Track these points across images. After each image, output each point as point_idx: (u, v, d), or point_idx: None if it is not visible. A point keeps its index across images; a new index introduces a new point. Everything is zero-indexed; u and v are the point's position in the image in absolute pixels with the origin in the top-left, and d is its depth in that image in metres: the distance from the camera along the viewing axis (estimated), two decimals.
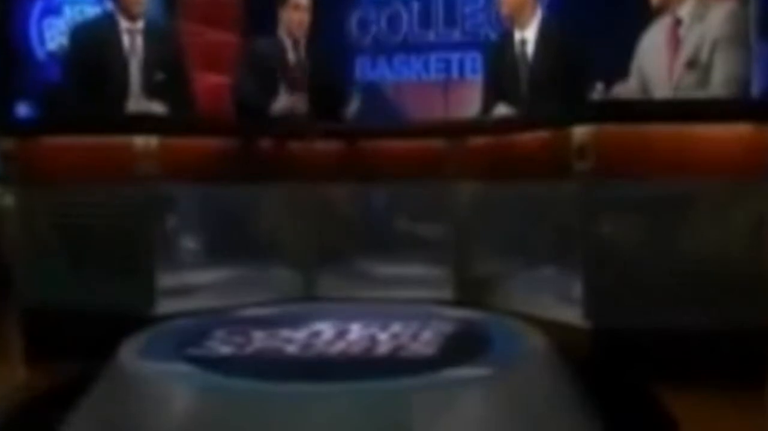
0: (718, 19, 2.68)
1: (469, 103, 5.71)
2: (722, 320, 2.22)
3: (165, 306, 2.58)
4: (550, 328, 2.29)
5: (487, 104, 3.33)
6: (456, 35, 5.55)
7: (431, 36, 5.58)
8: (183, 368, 1.78)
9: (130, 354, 1.92)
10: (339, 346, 1.98)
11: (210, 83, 4.71)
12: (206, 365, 1.79)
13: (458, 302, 2.76)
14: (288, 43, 3.66)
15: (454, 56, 5.55)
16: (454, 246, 2.83)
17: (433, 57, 5.58)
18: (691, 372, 2.12)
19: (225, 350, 1.95)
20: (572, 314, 2.38)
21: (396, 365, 1.80)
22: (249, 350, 1.96)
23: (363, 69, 5.67)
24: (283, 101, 3.28)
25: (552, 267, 2.66)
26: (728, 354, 2.19)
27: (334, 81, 3.86)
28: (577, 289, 2.45)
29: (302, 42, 3.66)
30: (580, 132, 2.26)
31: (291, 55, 3.67)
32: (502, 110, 3.22)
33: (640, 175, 2.25)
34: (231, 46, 5.29)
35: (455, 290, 2.82)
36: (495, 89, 3.41)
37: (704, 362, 2.16)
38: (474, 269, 2.80)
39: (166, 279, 2.63)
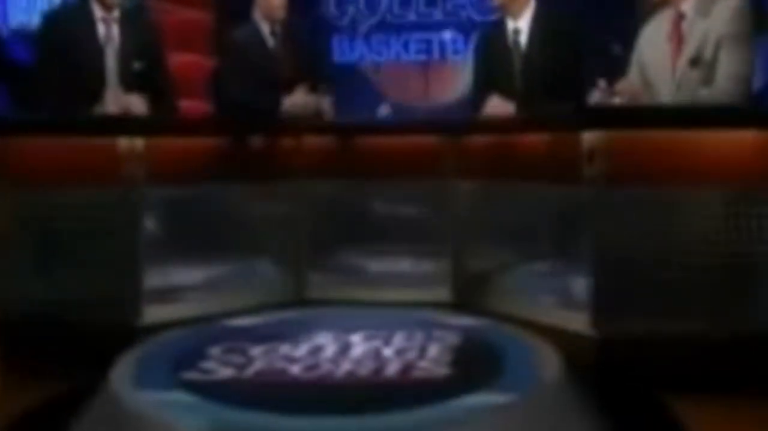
0: (723, 16, 2.60)
1: (449, 84, 5.63)
2: (733, 327, 2.18)
3: (151, 313, 2.45)
4: (553, 335, 2.25)
5: (480, 97, 3.22)
6: (437, 15, 5.40)
7: (411, 16, 5.42)
8: (183, 398, 1.67)
9: (122, 379, 1.80)
10: (345, 366, 1.88)
11: (181, 62, 4.53)
12: (207, 393, 1.68)
13: (456, 305, 2.69)
14: (266, 29, 3.50)
15: (435, 37, 5.41)
16: (453, 247, 2.74)
17: (413, 37, 5.43)
18: (702, 381, 2.08)
19: (224, 373, 1.84)
20: (574, 320, 2.32)
21: (409, 391, 1.72)
22: (250, 372, 1.85)
23: (340, 49, 5.50)
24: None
25: (553, 270, 2.60)
26: (740, 361, 2.15)
27: (313, 64, 3.72)
28: (579, 294, 2.40)
29: (280, 27, 3.51)
30: (590, 137, 2.18)
31: (270, 43, 3.51)
32: (495, 101, 3.12)
33: (649, 181, 2.18)
34: (202, 24, 5.10)
35: (453, 292, 2.74)
36: (487, 81, 3.31)
37: (715, 370, 2.11)
38: (472, 271, 2.72)
39: (151, 282, 2.49)
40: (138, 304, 2.43)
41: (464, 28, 5.35)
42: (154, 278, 2.51)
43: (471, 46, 5.35)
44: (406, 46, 5.43)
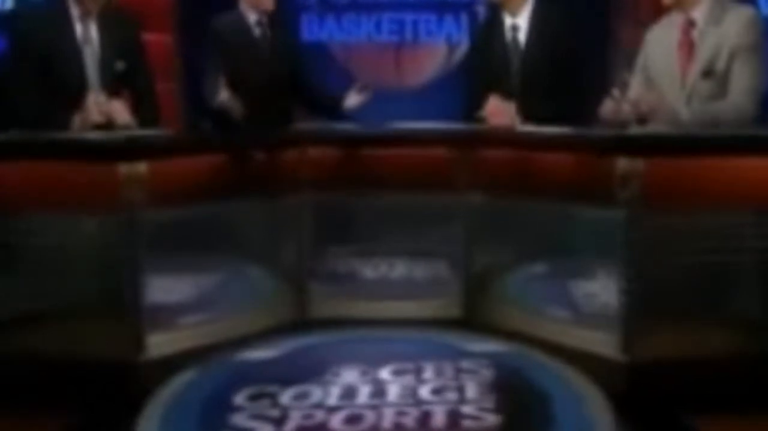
0: (736, 27, 2.55)
1: (421, 66, 5.49)
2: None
3: (154, 344, 2.28)
4: (576, 357, 2.22)
5: (478, 97, 3.11)
6: None
7: None
8: None
9: None
10: (388, 417, 1.80)
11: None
12: None
13: (466, 321, 2.63)
14: (252, 19, 3.29)
15: (408, 17, 5.23)
16: (463, 261, 2.66)
17: (385, 17, 5.24)
18: (739, 405, 2.05)
19: None
20: (591, 340, 2.29)
21: None
22: (289, 430, 1.74)
23: (310, 28, 5.26)
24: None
25: (570, 288, 2.57)
26: None
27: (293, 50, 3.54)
28: (596, 314, 2.37)
29: (267, 15, 3.30)
30: (624, 162, 2.11)
31: (258, 33, 3.30)
32: (495, 102, 3.03)
33: (684, 206, 2.14)
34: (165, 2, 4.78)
35: (462, 307, 2.67)
36: (485, 79, 3.20)
37: (754, 393, 2.10)
38: (483, 286, 2.66)
39: (151, 306, 2.32)
40: (140, 341, 2.25)
41: (438, 9, 5.19)
42: (152, 301, 2.34)
43: (444, 27, 5.23)
44: (378, 26, 5.24)
